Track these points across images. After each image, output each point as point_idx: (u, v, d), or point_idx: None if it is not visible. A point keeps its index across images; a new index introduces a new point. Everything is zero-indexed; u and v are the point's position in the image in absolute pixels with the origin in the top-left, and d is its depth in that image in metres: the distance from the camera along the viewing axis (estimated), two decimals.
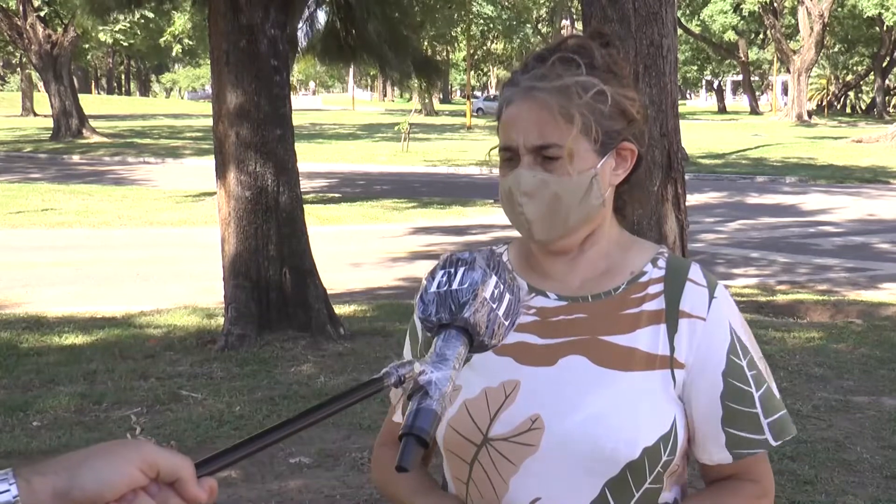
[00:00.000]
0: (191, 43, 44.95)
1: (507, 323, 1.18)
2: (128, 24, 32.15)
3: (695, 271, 1.51)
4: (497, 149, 1.51)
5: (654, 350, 1.45)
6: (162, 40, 40.25)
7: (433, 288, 1.17)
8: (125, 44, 38.67)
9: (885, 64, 55.71)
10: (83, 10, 10.03)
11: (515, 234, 1.56)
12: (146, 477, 0.91)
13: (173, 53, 48.20)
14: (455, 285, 1.16)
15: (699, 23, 53.57)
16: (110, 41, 38.20)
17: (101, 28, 30.61)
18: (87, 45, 39.40)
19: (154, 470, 0.91)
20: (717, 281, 1.52)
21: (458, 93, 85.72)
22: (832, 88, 61.93)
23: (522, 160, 1.44)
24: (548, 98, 1.41)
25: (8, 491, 0.86)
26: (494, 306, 1.16)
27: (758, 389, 1.47)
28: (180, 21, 34.68)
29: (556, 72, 1.43)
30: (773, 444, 1.49)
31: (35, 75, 40.09)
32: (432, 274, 1.20)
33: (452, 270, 1.18)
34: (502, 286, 1.18)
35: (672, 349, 1.45)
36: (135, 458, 0.90)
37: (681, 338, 1.45)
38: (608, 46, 1.49)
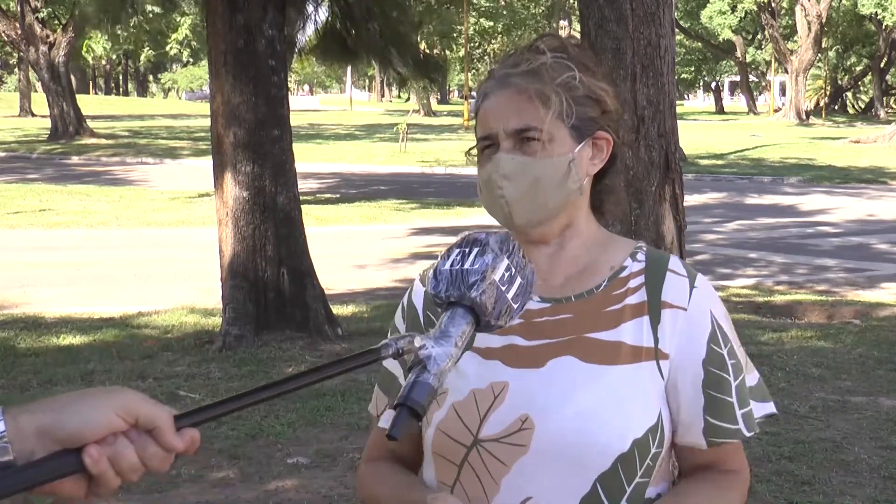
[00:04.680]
0: (196, 45, 44.90)
1: (515, 306, 1.19)
2: (135, 27, 32.10)
3: (674, 262, 1.54)
4: (474, 147, 1.54)
5: (640, 342, 1.46)
6: (168, 47, 40.20)
7: (447, 265, 1.20)
8: (131, 47, 38.73)
9: (882, 64, 55.73)
10: (94, 17, 10.05)
11: None
12: (125, 423, 0.96)
13: (183, 57, 48.08)
14: (467, 265, 1.18)
15: (697, 23, 53.59)
16: (109, 49, 38.31)
17: (106, 34, 30.62)
18: (87, 55, 39.44)
19: (132, 417, 0.96)
20: (696, 272, 1.54)
21: (457, 93, 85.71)
22: (830, 89, 61.93)
23: (501, 146, 1.47)
24: (523, 82, 1.45)
25: None
26: (504, 289, 1.18)
27: (735, 379, 1.49)
28: (185, 26, 34.60)
29: (527, 58, 1.48)
30: (746, 434, 1.49)
31: (33, 76, 40.06)
32: (448, 251, 1.22)
33: (467, 250, 1.21)
34: (514, 269, 1.20)
35: (656, 340, 1.46)
36: (115, 404, 0.96)
37: (664, 328, 1.47)
38: (580, 47, 1.55)
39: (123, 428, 0.96)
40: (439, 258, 1.22)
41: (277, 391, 1.01)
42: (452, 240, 1.27)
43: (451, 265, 1.19)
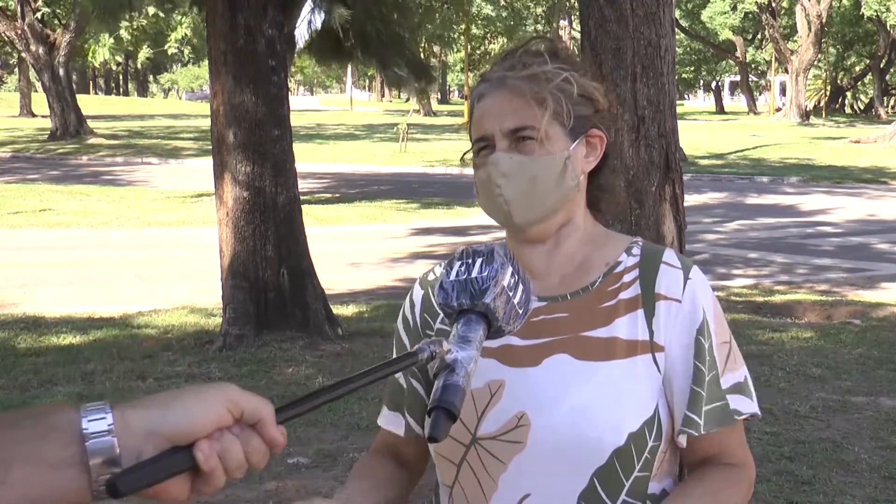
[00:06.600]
0: (196, 43, 44.83)
1: (521, 311, 1.22)
2: (137, 29, 32.06)
3: (669, 255, 1.54)
4: (469, 151, 1.55)
5: (634, 336, 1.47)
6: (167, 46, 40.15)
7: (452, 277, 1.22)
8: (133, 48, 38.63)
9: (882, 64, 55.71)
10: (94, 14, 10.06)
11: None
12: (232, 417, 0.95)
13: (184, 55, 48.01)
14: (475, 273, 1.21)
15: (697, 23, 53.57)
16: (110, 55, 38.29)
17: (108, 36, 30.59)
18: (92, 59, 39.42)
19: (239, 410, 0.95)
20: (692, 263, 1.54)
21: (457, 93, 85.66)
22: (830, 89, 61.89)
23: (498, 146, 1.48)
24: (519, 84, 1.47)
25: (104, 419, 0.90)
26: (511, 294, 1.21)
27: (709, 373, 1.47)
28: (184, 25, 34.48)
29: (523, 62, 1.49)
30: (702, 431, 1.47)
31: (33, 76, 40.06)
32: (450, 264, 1.24)
33: (470, 261, 1.23)
34: (517, 276, 1.23)
35: (651, 333, 1.47)
36: (221, 397, 0.95)
37: (659, 321, 1.47)
38: (567, 48, 1.58)
39: (230, 422, 0.94)
40: (442, 272, 1.24)
41: (346, 389, 1.04)
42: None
43: (458, 276, 1.21)
